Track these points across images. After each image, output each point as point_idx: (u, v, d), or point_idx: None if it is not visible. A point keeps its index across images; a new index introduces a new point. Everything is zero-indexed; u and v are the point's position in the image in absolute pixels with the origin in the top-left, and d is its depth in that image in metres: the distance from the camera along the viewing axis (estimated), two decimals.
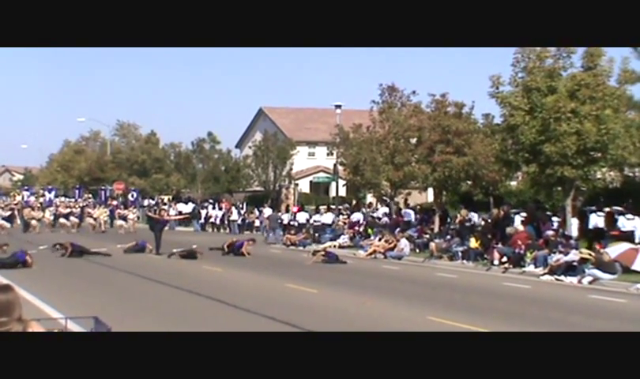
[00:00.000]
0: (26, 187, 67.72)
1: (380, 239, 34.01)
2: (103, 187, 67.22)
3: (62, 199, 64.37)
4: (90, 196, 65.98)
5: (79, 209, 56.83)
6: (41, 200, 65.75)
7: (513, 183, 42.69)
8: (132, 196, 62.33)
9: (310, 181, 72.02)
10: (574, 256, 24.90)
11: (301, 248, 37.45)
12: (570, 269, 24.57)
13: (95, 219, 51.93)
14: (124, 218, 52.85)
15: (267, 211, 49.24)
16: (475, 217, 34.09)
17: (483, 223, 33.23)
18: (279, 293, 20.55)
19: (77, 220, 51.74)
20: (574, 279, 23.90)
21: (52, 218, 53.52)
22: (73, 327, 10.59)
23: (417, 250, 33.41)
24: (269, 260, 31.02)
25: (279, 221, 44.20)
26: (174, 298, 19.54)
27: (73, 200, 64.96)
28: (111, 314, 12.38)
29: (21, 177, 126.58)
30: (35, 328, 5.50)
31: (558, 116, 27.40)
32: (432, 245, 32.17)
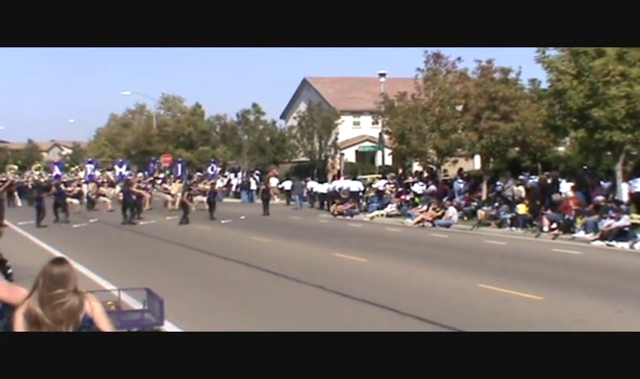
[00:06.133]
0: (89, 160, 63.01)
1: (428, 207, 33.88)
2: (179, 160, 62.80)
3: (133, 174, 60.19)
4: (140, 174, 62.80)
5: (150, 185, 51.94)
6: (107, 174, 62.23)
7: (562, 149, 42.08)
8: (177, 169, 58.56)
9: (356, 151, 71.82)
10: (625, 221, 24.58)
11: (349, 217, 37.47)
12: (621, 235, 24.25)
13: (172, 196, 46.66)
14: (168, 192, 49.34)
15: (287, 182, 51.34)
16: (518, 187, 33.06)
17: (524, 190, 32.62)
18: (327, 262, 20.61)
19: (149, 196, 45.48)
20: (625, 245, 23.59)
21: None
22: (126, 298, 10.84)
23: (465, 218, 33.20)
24: (317, 231, 31.09)
25: (303, 188, 46.93)
26: (223, 269, 19.71)
27: (143, 175, 60.83)
28: (162, 285, 12.54)
29: (70, 151, 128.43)
30: (91, 299, 5.59)
31: (606, 80, 26.87)
32: (480, 212, 31.95)
